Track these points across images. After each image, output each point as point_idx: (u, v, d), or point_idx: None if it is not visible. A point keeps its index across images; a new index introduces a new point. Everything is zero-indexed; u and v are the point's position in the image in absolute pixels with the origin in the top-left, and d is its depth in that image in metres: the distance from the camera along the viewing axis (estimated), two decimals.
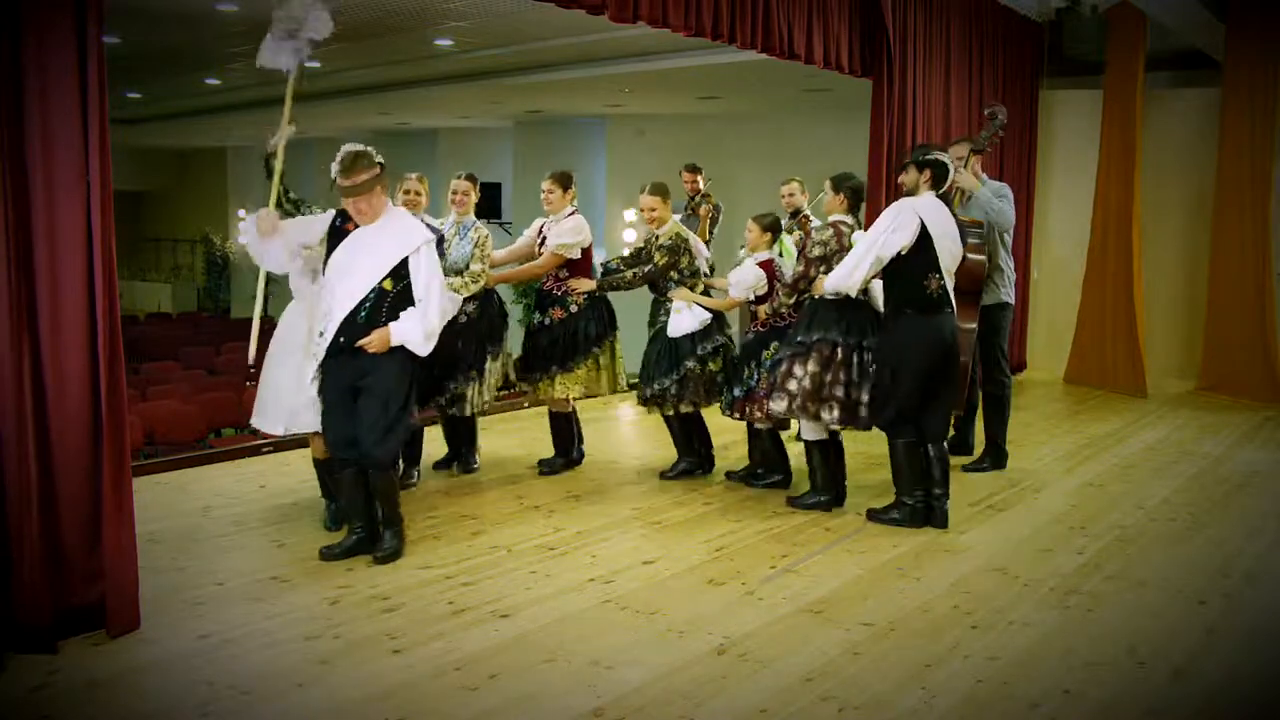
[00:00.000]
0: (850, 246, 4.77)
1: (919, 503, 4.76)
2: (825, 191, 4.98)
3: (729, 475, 5.50)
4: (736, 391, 5.08)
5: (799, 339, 4.80)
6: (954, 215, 4.86)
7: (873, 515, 4.87)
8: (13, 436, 3.18)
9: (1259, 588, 4.12)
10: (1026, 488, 5.53)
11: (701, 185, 7.44)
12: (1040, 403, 8.15)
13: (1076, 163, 9.36)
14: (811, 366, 4.71)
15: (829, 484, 4.99)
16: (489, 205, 12.91)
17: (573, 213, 5.35)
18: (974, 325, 5.54)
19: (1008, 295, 5.74)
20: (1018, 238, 5.85)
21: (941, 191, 4.73)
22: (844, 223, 4.90)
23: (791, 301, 4.94)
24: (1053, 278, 9.65)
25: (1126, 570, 4.25)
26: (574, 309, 5.31)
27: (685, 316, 5.20)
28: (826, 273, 4.77)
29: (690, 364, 5.17)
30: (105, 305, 3.31)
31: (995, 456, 5.85)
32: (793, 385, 4.75)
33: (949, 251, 4.67)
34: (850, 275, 4.64)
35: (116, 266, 3.34)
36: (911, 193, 4.73)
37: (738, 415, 5.14)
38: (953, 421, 6.06)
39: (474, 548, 4.39)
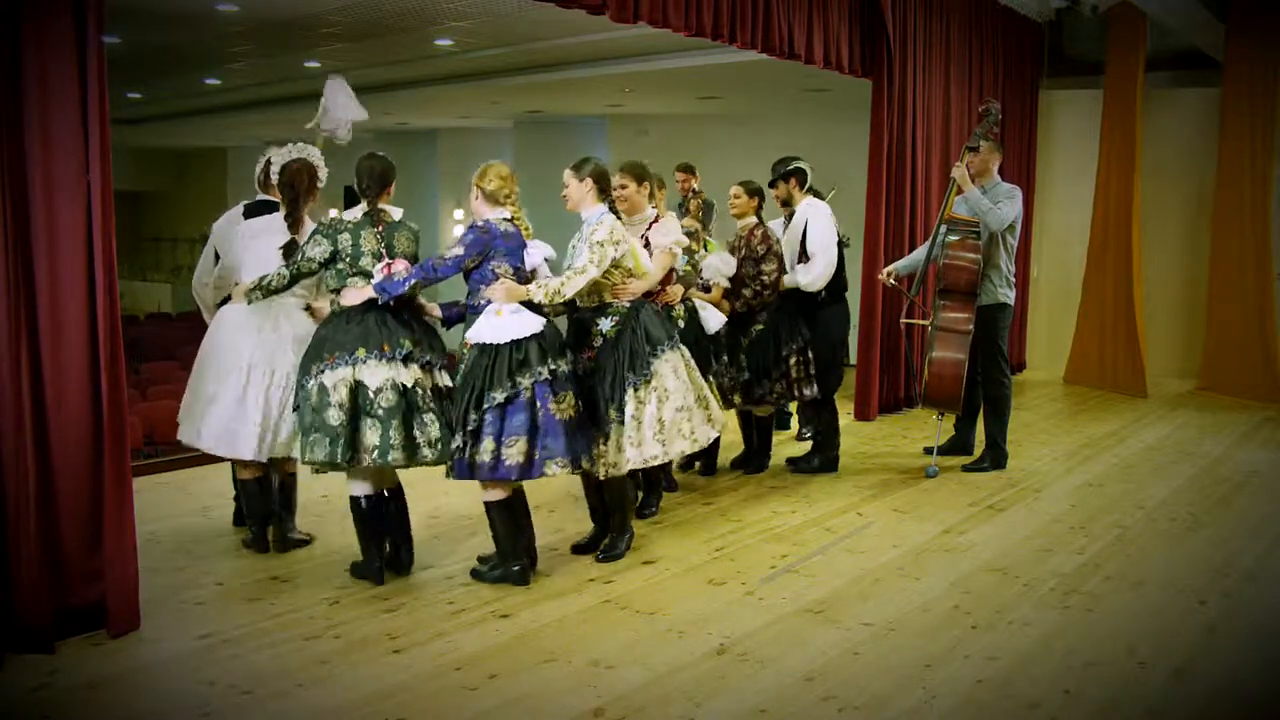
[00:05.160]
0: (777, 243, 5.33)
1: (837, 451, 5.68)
2: (737, 196, 5.34)
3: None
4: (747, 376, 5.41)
5: (800, 336, 5.34)
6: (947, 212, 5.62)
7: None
8: (12, 437, 3.18)
9: (1259, 587, 4.12)
10: (1026, 488, 5.53)
11: (695, 185, 7.45)
12: (1040, 403, 8.15)
13: (1076, 163, 9.35)
14: (798, 358, 5.36)
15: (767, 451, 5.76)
16: None
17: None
18: (969, 326, 5.54)
19: (1005, 296, 5.71)
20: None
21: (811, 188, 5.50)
22: (763, 223, 5.37)
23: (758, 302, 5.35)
24: (1053, 278, 9.65)
25: (1126, 570, 4.26)
26: None
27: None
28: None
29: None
30: (105, 305, 3.31)
31: (995, 456, 5.84)
32: (780, 372, 5.33)
33: None
34: (826, 276, 5.33)
35: (116, 266, 3.35)
36: (788, 202, 5.43)
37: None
38: (952, 422, 6.11)
39: (473, 548, 4.39)
